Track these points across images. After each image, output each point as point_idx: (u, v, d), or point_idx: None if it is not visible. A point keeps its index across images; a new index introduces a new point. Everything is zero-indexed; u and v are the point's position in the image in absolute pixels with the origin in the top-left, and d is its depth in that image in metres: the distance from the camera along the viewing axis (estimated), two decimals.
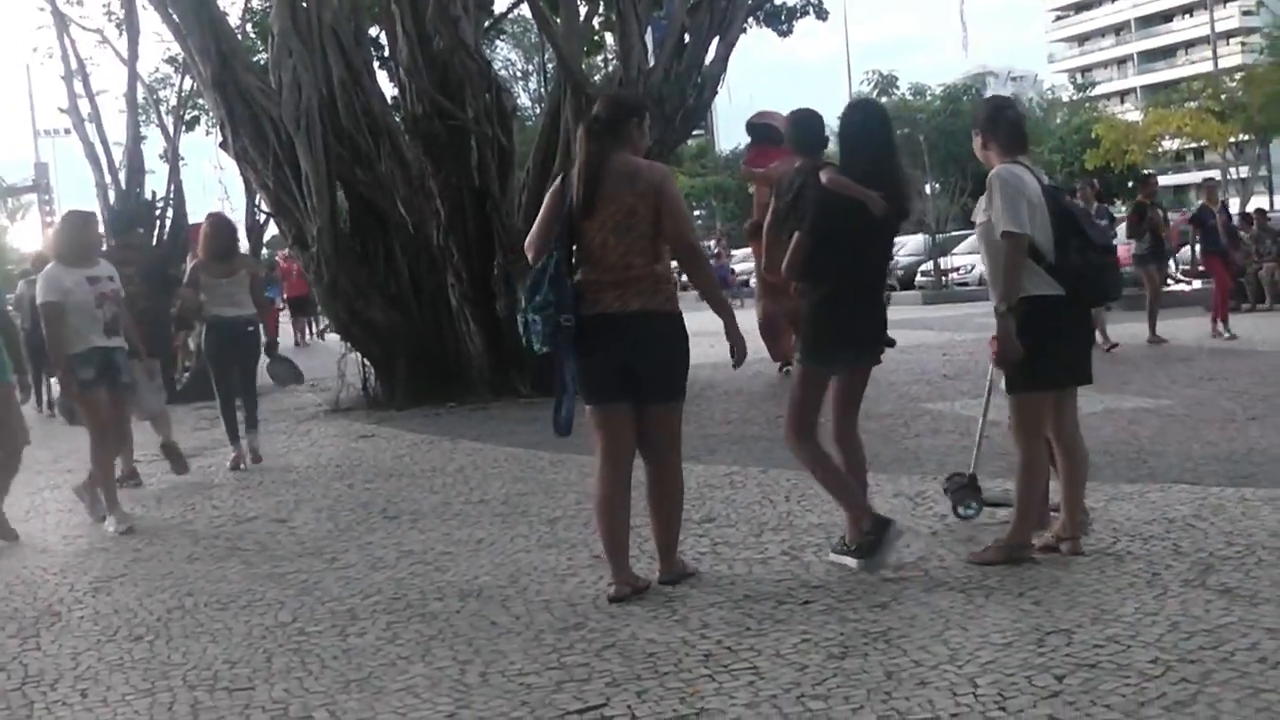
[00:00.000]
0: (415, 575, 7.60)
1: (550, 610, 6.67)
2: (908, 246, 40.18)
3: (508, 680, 5.61)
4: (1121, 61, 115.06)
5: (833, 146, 7.39)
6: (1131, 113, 74.85)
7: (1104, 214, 19.70)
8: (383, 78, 19.46)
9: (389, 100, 18.46)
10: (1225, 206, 20.47)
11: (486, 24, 22.05)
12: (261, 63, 19.65)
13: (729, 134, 78.04)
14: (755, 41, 20.43)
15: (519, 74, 49.25)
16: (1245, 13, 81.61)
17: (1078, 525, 7.07)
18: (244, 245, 21.60)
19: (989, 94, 74.74)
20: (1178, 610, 5.90)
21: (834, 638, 5.88)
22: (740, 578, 7.04)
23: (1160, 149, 58.65)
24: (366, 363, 17.28)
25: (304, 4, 16.93)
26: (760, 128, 16.33)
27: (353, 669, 5.96)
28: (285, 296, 35.85)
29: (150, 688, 5.93)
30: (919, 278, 38.60)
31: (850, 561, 7.03)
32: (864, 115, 7.50)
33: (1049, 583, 6.52)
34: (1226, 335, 18.97)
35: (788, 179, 7.36)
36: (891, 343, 7.36)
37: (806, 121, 7.43)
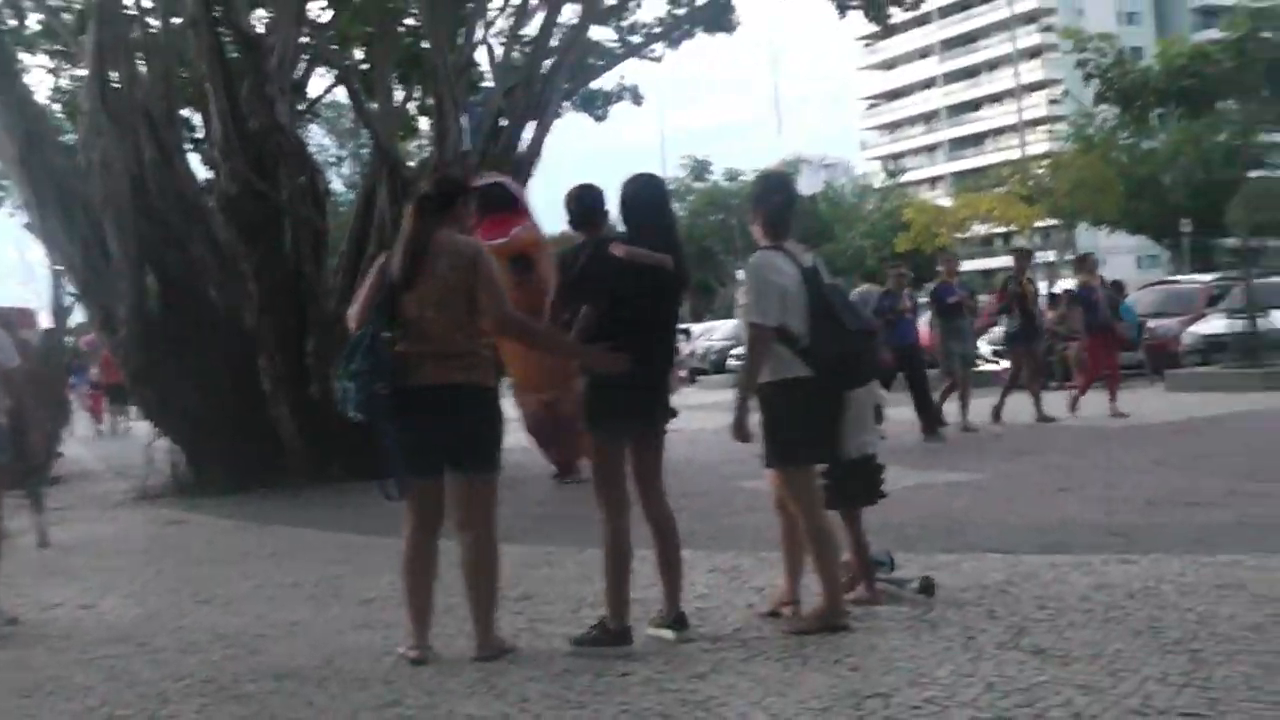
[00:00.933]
0: (229, 658, 7.42)
1: (367, 688, 6.57)
2: (720, 330, 40.50)
3: None
4: (932, 148, 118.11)
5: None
6: (942, 198, 76.90)
7: (912, 298, 19.61)
8: (194, 159, 19.29)
9: (202, 181, 18.26)
10: (1104, 282, 20.30)
11: (301, 107, 21.91)
12: (70, 142, 19.32)
13: (549, 218, 78.56)
14: (573, 126, 20.65)
15: (333, 159, 49.01)
16: (1052, 101, 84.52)
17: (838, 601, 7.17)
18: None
19: (801, 179, 76.36)
20: (993, 671, 5.99)
21: (653, 707, 5.89)
22: (558, 653, 7.00)
23: (970, 232, 60.26)
24: (176, 448, 16.94)
25: (115, 83, 16.68)
26: (486, 192, 13.40)
27: None
28: (104, 382, 34.91)
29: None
30: (730, 361, 38.94)
31: (668, 634, 7.05)
32: (649, 187, 7.54)
33: (865, 649, 6.60)
34: (1120, 413, 18.34)
35: (569, 255, 7.36)
36: (674, 413, 7.37)
37: (588, 197, 7.41)
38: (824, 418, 7.24)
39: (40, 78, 23.39)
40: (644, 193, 7.41)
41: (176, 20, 17.71)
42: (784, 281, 7.05)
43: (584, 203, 7.37)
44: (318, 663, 7.16)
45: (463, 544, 6.98)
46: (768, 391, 7.10)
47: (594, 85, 24.55)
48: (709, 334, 44.50)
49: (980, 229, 62.30)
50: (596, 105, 25.82)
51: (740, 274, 7.07)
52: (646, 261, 6.98)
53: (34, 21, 24.22)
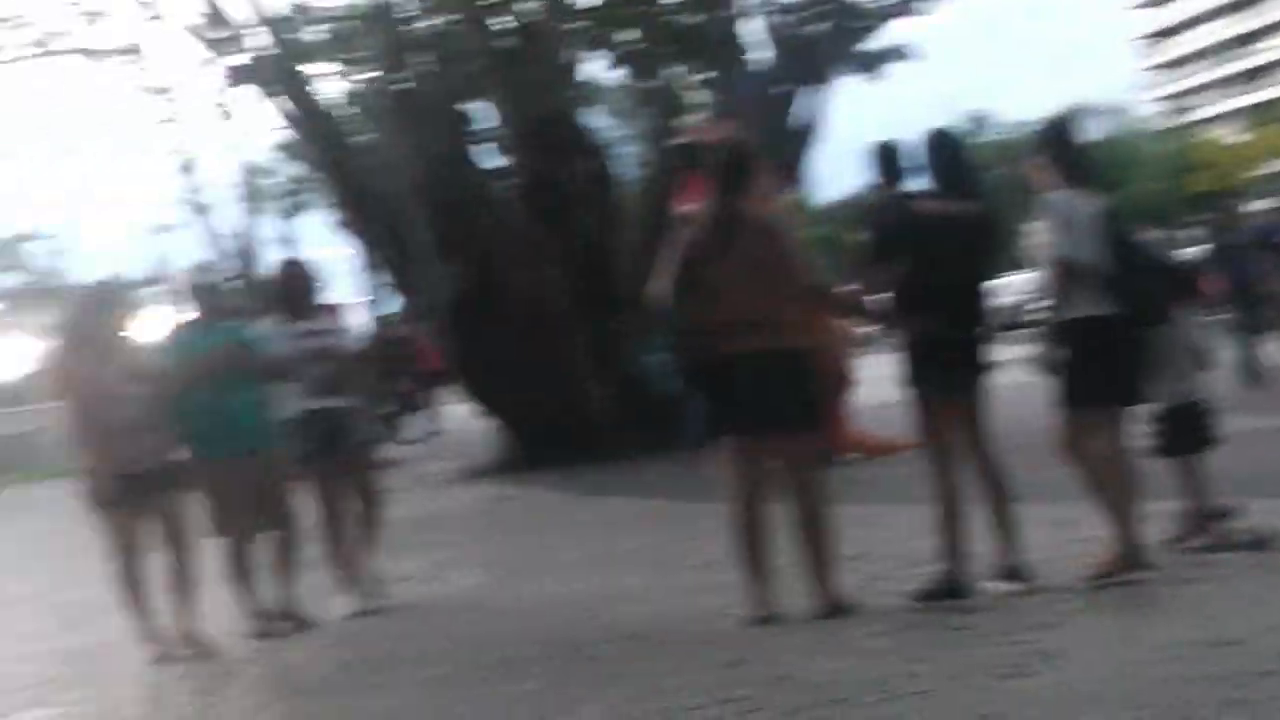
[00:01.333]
0: (574, 622, 7.71)
1: (711, 649, 6.68)
2: (1013, 286, 39.75)
3: (686, 714, 5.65)
4: (1217, 84, 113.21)
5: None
6: (1231, 135, 74.07)
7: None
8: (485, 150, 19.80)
9: (494, 172, 18.73)
10: None
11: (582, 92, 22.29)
12: (367, 142, 20.04)
13: (826, 185, 77.79)
14: (845, 90, 20.40)
15: (619, 139, 49.51)
16: None
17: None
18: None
19: (1085, 126, 74.11)
20: None
21: (999, 659, 5.85)
22: (897, 609, 7.03)
23: (1266, 169, 57.99)
24: (500, 427, 17.50)
25: (403, 82, 17.25)
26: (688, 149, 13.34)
27: (528, 712, 6.08)
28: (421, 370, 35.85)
29: None
30: (1024, 316, 37.97)
31: (1006, 586, 7.07)
32: (950, 140, 7.65)
33: (1213, 597, 6.52)
34: None
35: (874, 214, 7.42)
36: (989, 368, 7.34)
37: (891, 152, 7.44)
38: (1123, 359, 7.13)
39: (332, 82, 24.18)
40: (945, 146, 7.46)
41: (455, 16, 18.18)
42: (1082, 220, 7.04)
43: (887, 157, 7.43)
44: (661, 626, 7.39)
45: (796, 503, 7.07)
46: (1068, 329, 7.08)
47: (866, 46, 24.37)
48: (1001, 290, 43.59)
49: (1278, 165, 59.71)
50: (870, 66, 25.61)
51: (1032, 223, 6.89)
52: (952, 213, 7.04)
53: (321, 31, 25.27)
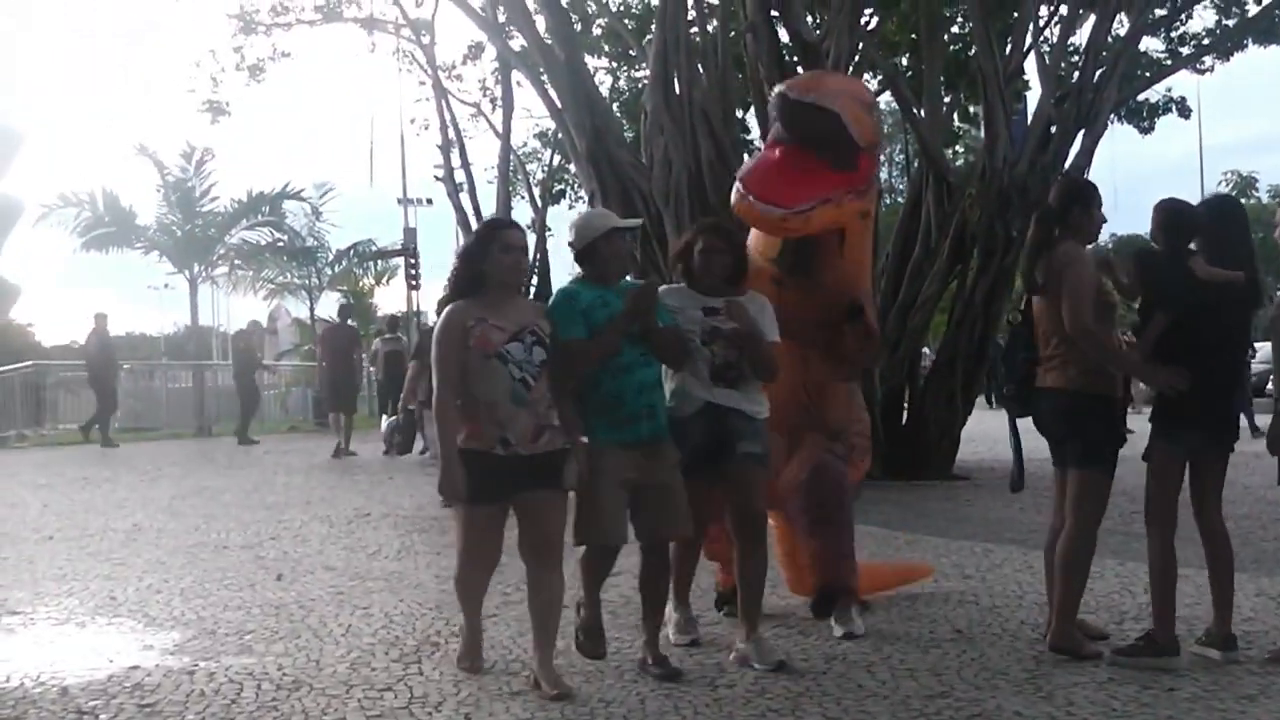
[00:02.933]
0: (778, 637, 7.72)
1: (915, 678, 6.78)
2: (1260, 353, 38.60)
3: None
4: None
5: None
6: None
7: None
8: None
9: None
10: None
11: None
12: (630, 139, 20.28)
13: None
14: (1112, 138, 20.22)
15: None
16: None
17: None
18: None
19: None
20: None
21: None
22: (1103, 662, 6.98)
23: None
24: None
25: (676, 84, 17.43)
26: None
27: (724, 717, 6.16)
28: None
29: (530, 717, 6.23)
30: (1269, 385, 37.04)
31: (1214, 653, 6.97)
32: (1235, 208, 7.63)
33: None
34: None
35: (1151, 268, 7.32)
36: (1236, 434, 7.31)
37: (1179, 212, 7.33)
38: None
39: (600, 78, 24.55)
40: (1230, 213, 7.42)
41: (735, 25, 18.33)
42: None
43: (1178, 219, 7.28)
44: (865, 649, 7.43)
45: (1063, 535, 7.20)
46: None
47: (1141, 96, 24.00)
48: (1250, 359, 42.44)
49: None
50: (1143, 117, 25.24)
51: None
52: (1227, 280, 6.91)
53: (598, 25, 25.68)
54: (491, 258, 6.68)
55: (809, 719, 6.09)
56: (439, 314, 6.89)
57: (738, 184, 7.71)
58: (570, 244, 7.06)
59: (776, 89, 8.34)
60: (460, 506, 6.72)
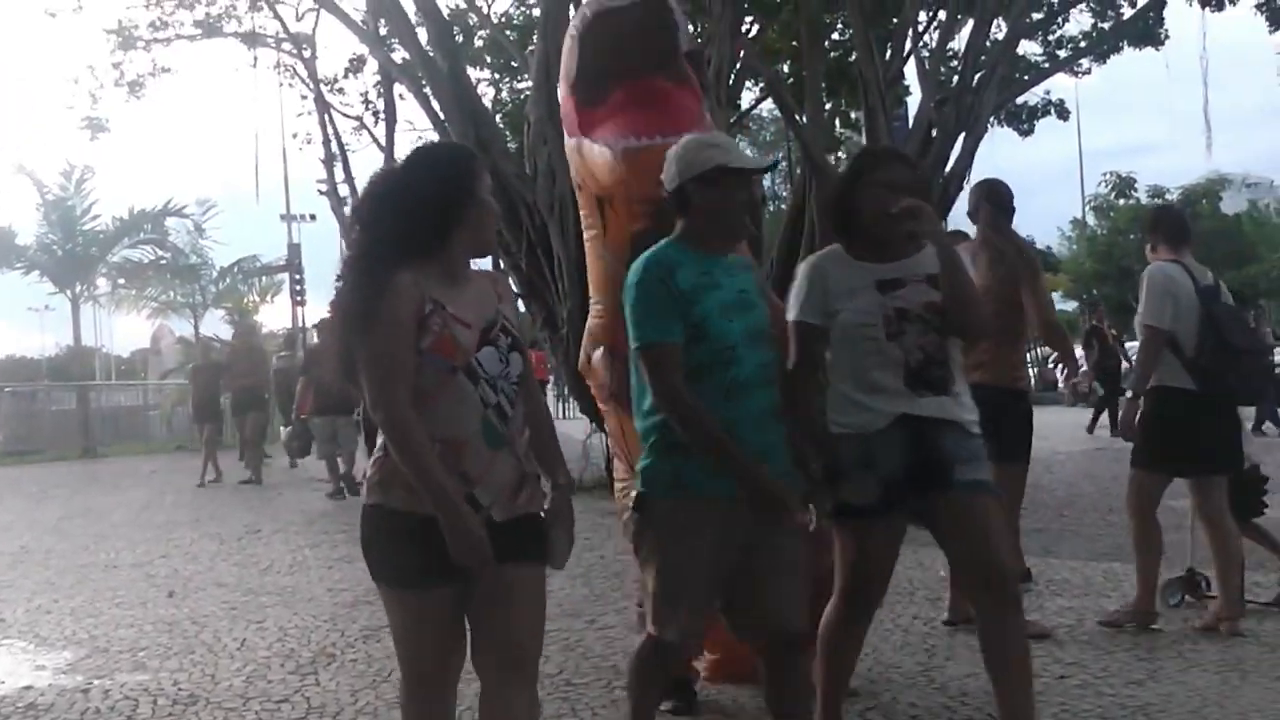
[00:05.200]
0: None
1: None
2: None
3: None
4: None
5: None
6: None
7: None
8: None
9: None
10: None
11: (731, 120, 22.51)
12: (514, 150, 20.30)
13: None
14: (992, 141, 20.58)
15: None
16: None
17: (1233, 606, 7.44)
18: None
19: (1225, 198, 72.96)
20: None
21: (1092, 710, 6.01)
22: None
23: None
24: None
25: (559, 95, 17.46)
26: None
27: (622, 718, 6.16)
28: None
29: None
30: None
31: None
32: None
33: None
34: None
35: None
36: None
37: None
38: (1200, 430, 7.46)
39: (483, 90, 24.54)
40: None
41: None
42: (1177, 292, 7.45)
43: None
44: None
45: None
46: (1151, 395, 7.51)
47: (1020, 99, 24.37)
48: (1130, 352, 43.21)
49: None
50: (1022, 120, 25.63)
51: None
52: None
53: (480, 37, 25.67)
54: (474, 203, 4.16)
55: (705, 717, 6.15)
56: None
57: None
58: (663, 180, 4.78)
59: None
60: (391, 594, 4.22)
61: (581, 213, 6.64)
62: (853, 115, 23.64)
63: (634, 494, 4.75)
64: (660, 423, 4.59)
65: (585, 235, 6.60)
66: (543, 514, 4.25)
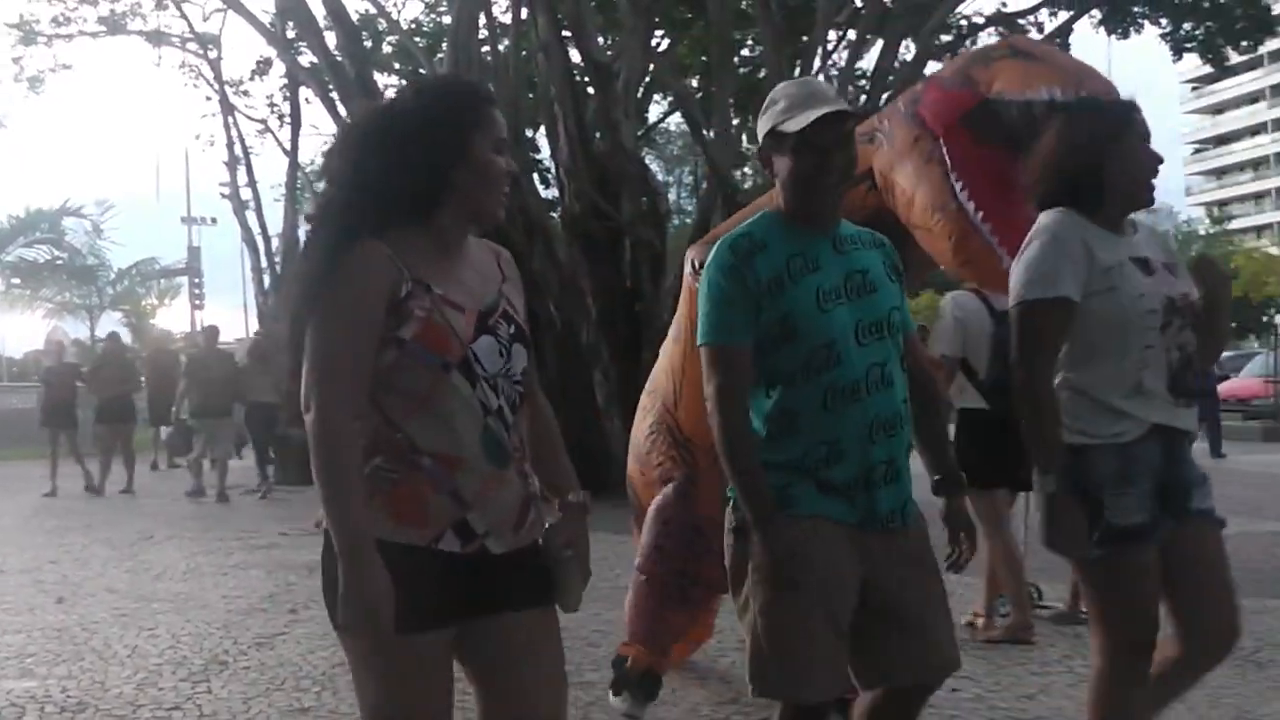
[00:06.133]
0: (570, 649, 7.65)
1: (704, 686, 6.88)
2: None
3: None
4: (1259, 196, 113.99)
5: None
6: (1269, 247, 74.09)
7: None
8: (536, 181, 20.00)
9: (545, 201, 18.92)
10: None
11: (639, 133, 22.57)
12: None
13: None
14: None
15: (661, 184, 49.98)
16: None
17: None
18: None
19: None
20: None
21: None
22: None
23: None
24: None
25: None
26: None
27: None
28: None
29: None
30: None
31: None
32: None
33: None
34: None
35: None
36: None
37: None
38: (998, 445, 7.48)
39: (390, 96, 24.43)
40: None
41: (527, 44, 18.40)
42: (968, 319, 7.87)
43: None
44: None
45: None
46: (956, 418, 7.97)
47: None
48: None
49: None
50: None
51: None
52: None
53: (389, 43, 25.57)
54: (471, 158, 3.30)
55: None
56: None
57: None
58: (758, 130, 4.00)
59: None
60: (366, 644, 3.20)
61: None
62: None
63: (729, 518, 3.93)
64: (756, 432, 3.84)
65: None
66: (542, 542, 3.41)
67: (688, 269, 5.95)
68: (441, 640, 3.24)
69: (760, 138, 3.94)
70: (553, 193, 19.59)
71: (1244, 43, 22.46)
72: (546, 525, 3.41)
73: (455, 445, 3.20)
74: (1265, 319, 49.81)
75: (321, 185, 3.39)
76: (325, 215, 3.26)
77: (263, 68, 26.90)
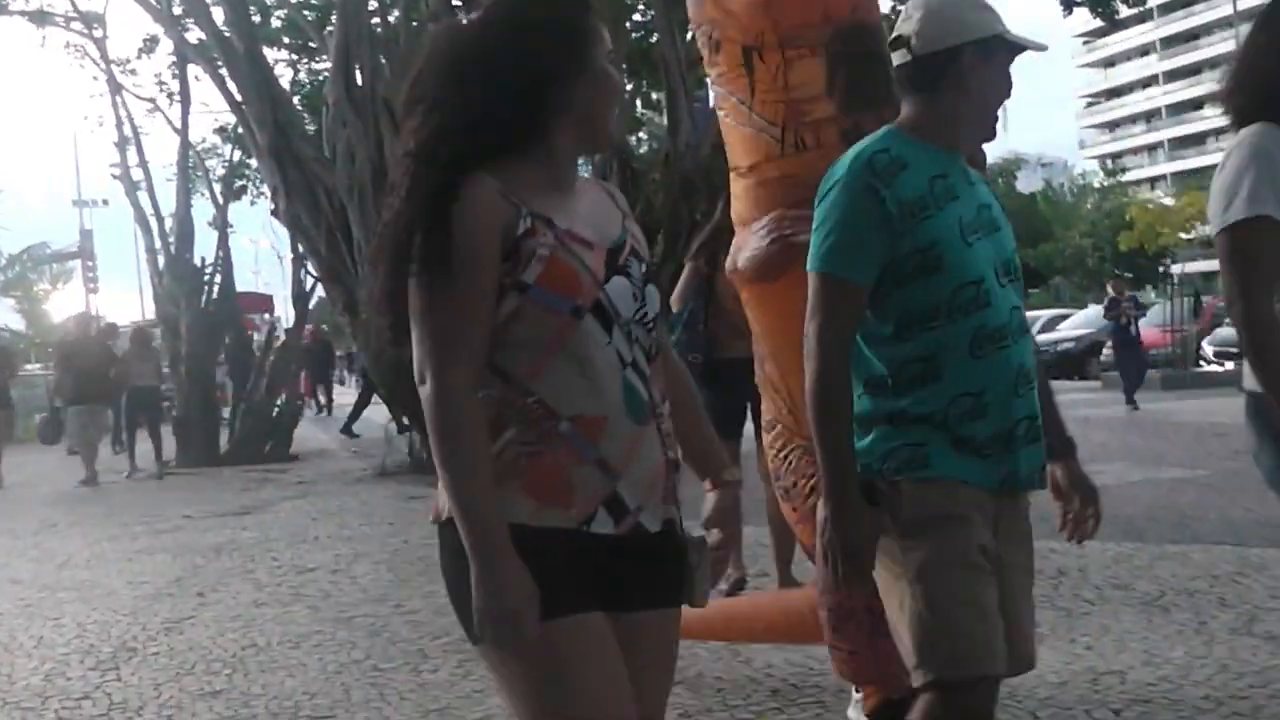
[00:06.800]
0: (419, 636, 7.68)
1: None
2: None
3: None
4: (1152, 148, 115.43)
5: None
6: (1163, 198, 75.20)
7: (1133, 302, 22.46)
8: None
9: None
10: None
11: None
12: (313, 132, 20.09)
13: None
14: None
15: None
16: None
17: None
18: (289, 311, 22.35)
19: (1021, 177, 74.95)
20: (1226, 655, 6.08)
21: None
22: None
23: (1194, 232, 58.92)
24: (412, 428, 17.52)
25: (358, 77, 17.34)
26: None
27: (430, 700, 6.17)
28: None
29: (234, 715, 6.16)
30: None
31: None
32: None
33: (1099, 629, 6.70)
34: None
35: None
36: None
37: None
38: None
39: (280, 71, 24.19)
40: None
41: (418, 15, 18.30)
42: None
43: None
44: None
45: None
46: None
47: None
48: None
49: (1205, 229, 60.80)
50: None
51: None
52: None
53: (278, 17, 25.31)
54: (590, 73, 2.79)
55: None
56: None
57: None
58: (904, 42, 3.41)
59: None
60: (525, 649, 2.65)
61: (715, 79, 5.44)
62: (654, 96, 23.79)
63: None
64: (882, 380, 3.32)
65: (720, 109, 5.40)
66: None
67: (729, 265, 5.34)
68: (599, 619, 2.72)
69: (950, 39, 3.32)
70: None
71: None
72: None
73: (596, 404, 2.71)
74: (1161, 269, 50.47)
75: (414, 112, 2.78)
76: (423, 149, 2.73)
77: (150, 45, 26.52)
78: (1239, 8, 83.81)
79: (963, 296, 3.23)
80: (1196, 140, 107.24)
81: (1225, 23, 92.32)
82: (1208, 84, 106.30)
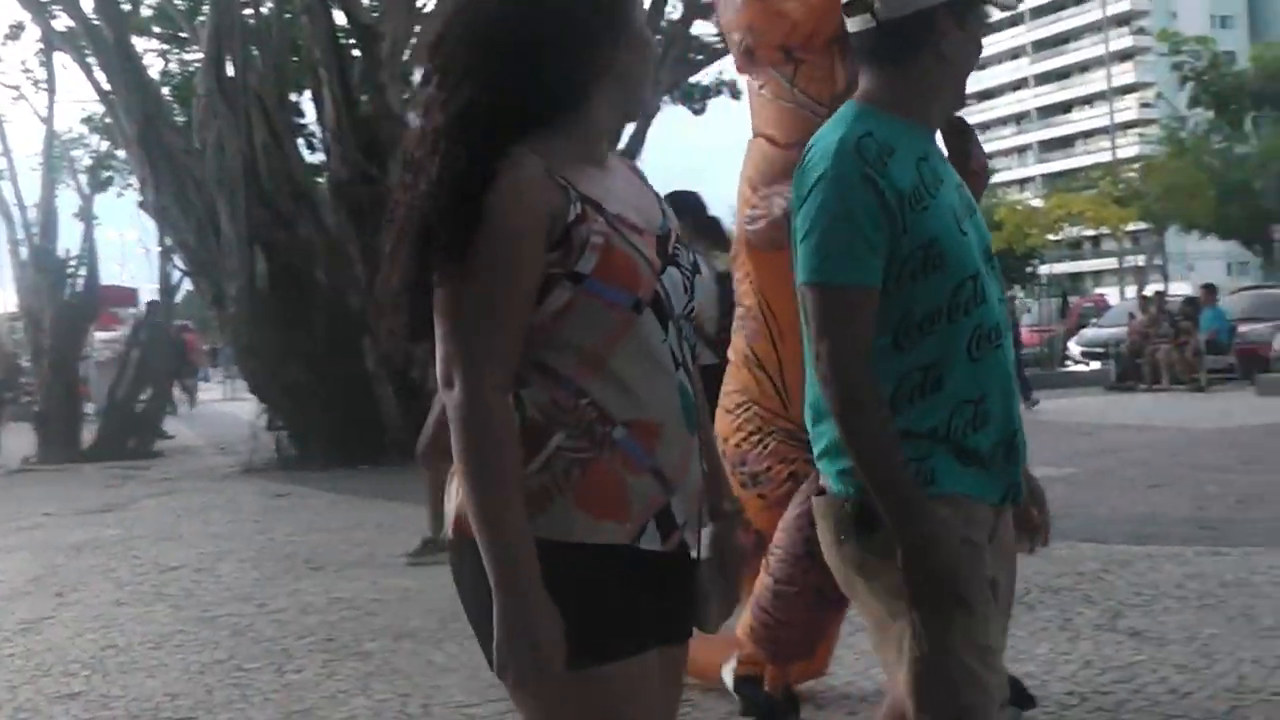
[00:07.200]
0: (346, 619, 7.73)
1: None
2: None
3: (451, 711, 5.78)
4: (1022, 150, 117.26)
5: None
6: (1032, 200, 76.34)
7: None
8: (302, 145, 19.72)
9: (311, 165, 18.69)
10: None
11: (405, 96, 22.36)
12: (183, 123, 19.83)
13: None
14: (666, 121, 20.85)
15: None
16: (1144, 105, 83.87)
17: None
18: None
19: None
20: (1090, 651, 6.18)
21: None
22: None
23: (1061, 234, 59.88)
24: (279, 424, 17.35)
25: (230, 67, 17.13)
26: None
27: (294, 701, 6.10)
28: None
29: (92, 718, 6.05)
30: None
31: None
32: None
33: None
34: None
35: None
36: None
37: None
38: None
39: (150, 61, 23.86)
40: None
41: (291, 6, 18.13)
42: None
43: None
44: (433, 625, 7.39)
45: None
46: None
47: (693, 79, 24.80)
48: None
49: (1072, 231, 61.81)
50: (695, 99, 26.12)
51: None
52: None
53: (148, 6, 24.92)
54: (630, 37, 2.50)
55: (380, 696, 6.11)
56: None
57: None
58: (865, 6, 2.94)
59: None
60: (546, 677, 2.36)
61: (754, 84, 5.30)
62: None
63: (845, 505, 2.94)
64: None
65: (756, 81, 5.24)
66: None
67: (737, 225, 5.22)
68: (651, 660, 2.44)
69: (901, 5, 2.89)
70: (319, 157, 19.28)
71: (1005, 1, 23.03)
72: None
73: (653, 408, 2.43)
74: (1029, 270, 51.28)
75: (439, 83, 2.45)
76: (453, 123, 2.38)
77: (15, 32, 26.02)
78: (1109, 13, 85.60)
79: (963, 294, 2.88)
80: (1065, 143, 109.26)
81: (1095, 27, 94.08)
82: (1077, 88, 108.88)
